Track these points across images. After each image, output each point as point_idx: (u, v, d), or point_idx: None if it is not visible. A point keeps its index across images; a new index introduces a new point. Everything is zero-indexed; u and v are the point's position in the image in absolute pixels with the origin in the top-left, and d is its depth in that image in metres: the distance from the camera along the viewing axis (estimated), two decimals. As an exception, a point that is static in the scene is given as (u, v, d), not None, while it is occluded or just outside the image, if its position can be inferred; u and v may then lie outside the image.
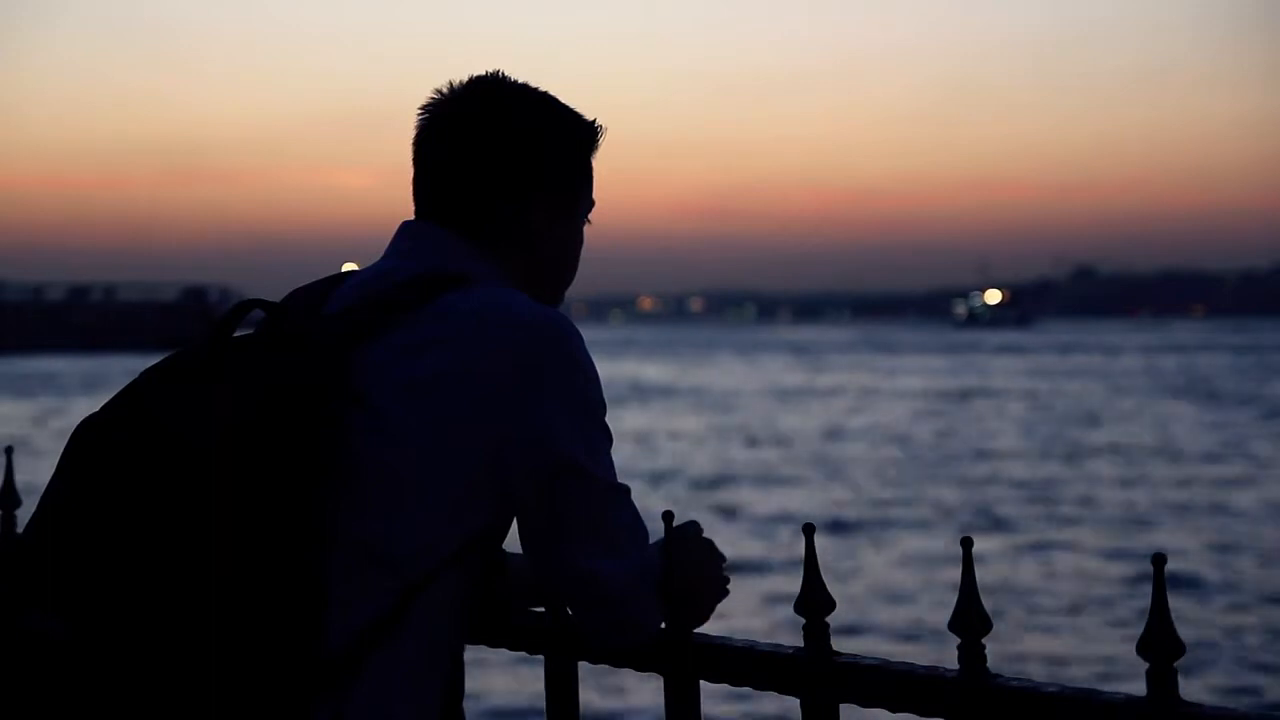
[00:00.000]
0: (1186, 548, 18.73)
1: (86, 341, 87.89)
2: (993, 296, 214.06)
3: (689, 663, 1.99)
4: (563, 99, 2.15)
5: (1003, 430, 36.74)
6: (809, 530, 1.92)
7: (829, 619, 1.92)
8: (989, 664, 1.77)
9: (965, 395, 50.22)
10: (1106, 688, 1.74)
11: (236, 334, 2.02)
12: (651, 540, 2.00)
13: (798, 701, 1.92)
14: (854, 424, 37.27)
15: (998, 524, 20.75)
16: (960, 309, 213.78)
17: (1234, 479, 26.19)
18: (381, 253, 2.12)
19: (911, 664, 1.83)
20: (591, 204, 2.18)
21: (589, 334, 2.00)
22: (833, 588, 1.91)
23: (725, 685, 2.00)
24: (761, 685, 1.94)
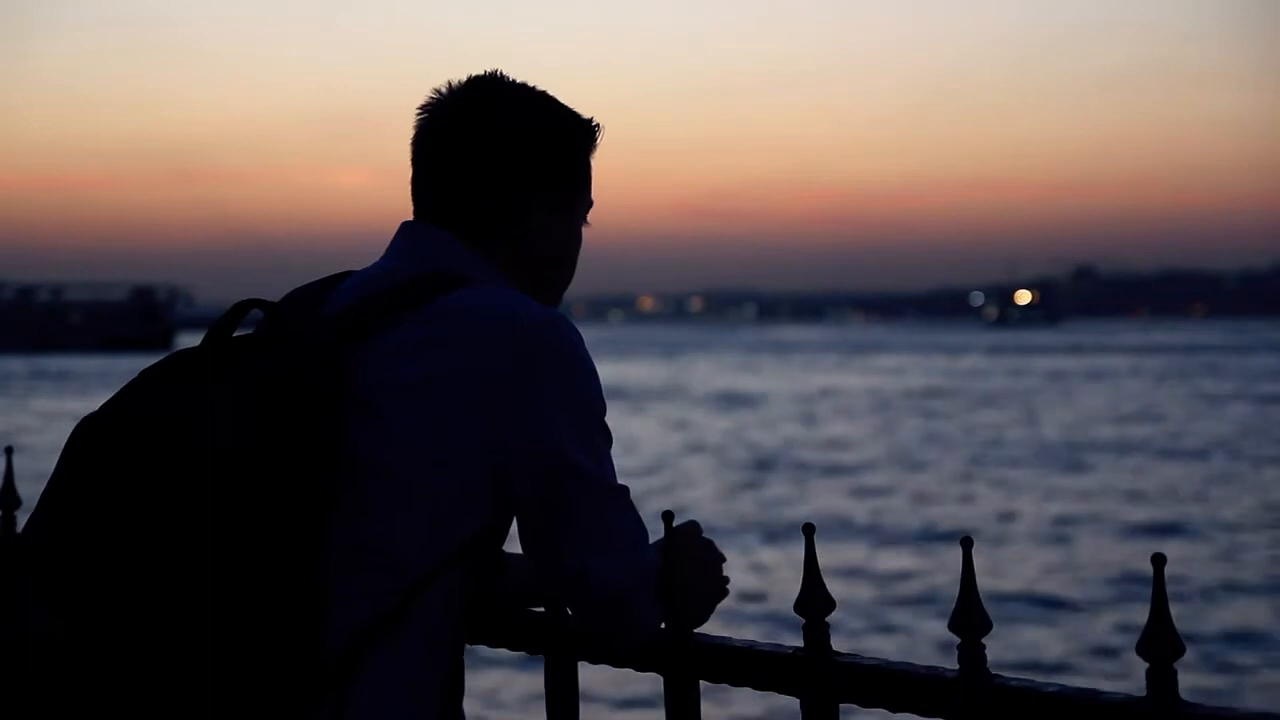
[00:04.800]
0: None
1: (34, 342, 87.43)
2: (1022, 297, 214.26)
3: (689, 663, 1.99)
4: (561, 98, 2.15)
5: None
6: (809, 530, 1.92)
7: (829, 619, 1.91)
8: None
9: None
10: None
11: (236, 334, 2.02)
12: (651, 540, 2.00)
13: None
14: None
15: None
16: (990, 310, 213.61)
17: None
18: (380, 253, 2.12)
19: (911, 664, 1.86)
20: (590, 204, 2.19)
21: (589, 334, 2.00)
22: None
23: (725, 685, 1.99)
24: (761, 685, 1.95)
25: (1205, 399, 47.90)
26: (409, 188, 2.20)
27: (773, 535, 19.30)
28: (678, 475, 27.03)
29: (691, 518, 2.14)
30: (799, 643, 1.96)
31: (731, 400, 48.93)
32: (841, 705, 1.93)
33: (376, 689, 1.97)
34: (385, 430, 1.98)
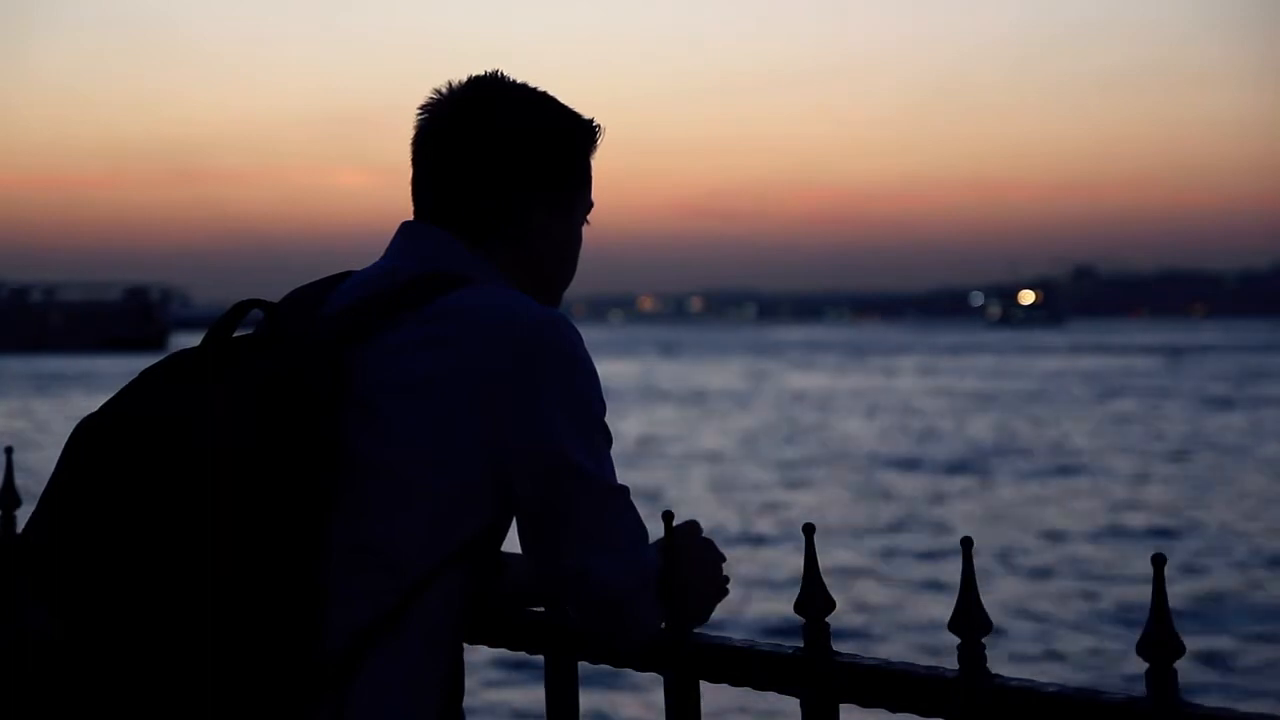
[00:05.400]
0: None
1: (28, 342, 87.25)
2: (1026, 297, 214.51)
3: (689, 663, 1.99)
4: (562, 99, 2.15)
5: None
6: (809, 530, 1.93)
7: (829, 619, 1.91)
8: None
9: None
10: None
11: (236, 334, 2.03)
12: (651, 540, 2.00)
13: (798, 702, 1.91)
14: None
15: None
16: (994, 310, 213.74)
17: None
18: (380, 253, 2.13)
19: (911, 664, 1.86)
20: (590, 204, 2.19)
21: (589, 334, 2.00)
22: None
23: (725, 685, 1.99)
24: (761, 685, 1.96)
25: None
26: (409, 188, 2.20)
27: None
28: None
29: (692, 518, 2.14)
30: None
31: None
32: (841, 705, 1.93)
33: (376, 689, 1.97)
34: (385, 430, 1.99)
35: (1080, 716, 1.71)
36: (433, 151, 2.17)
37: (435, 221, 2.16)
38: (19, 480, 2.91)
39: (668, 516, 2.07)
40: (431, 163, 2.18)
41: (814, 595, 1.95)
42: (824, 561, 2.06)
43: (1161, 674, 1.66)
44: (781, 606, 14.08)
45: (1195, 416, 39.72)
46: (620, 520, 2.02)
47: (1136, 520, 20.51)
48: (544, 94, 2.20)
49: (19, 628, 1.90)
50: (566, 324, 2.05)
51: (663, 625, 2.06)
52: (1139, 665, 1.66)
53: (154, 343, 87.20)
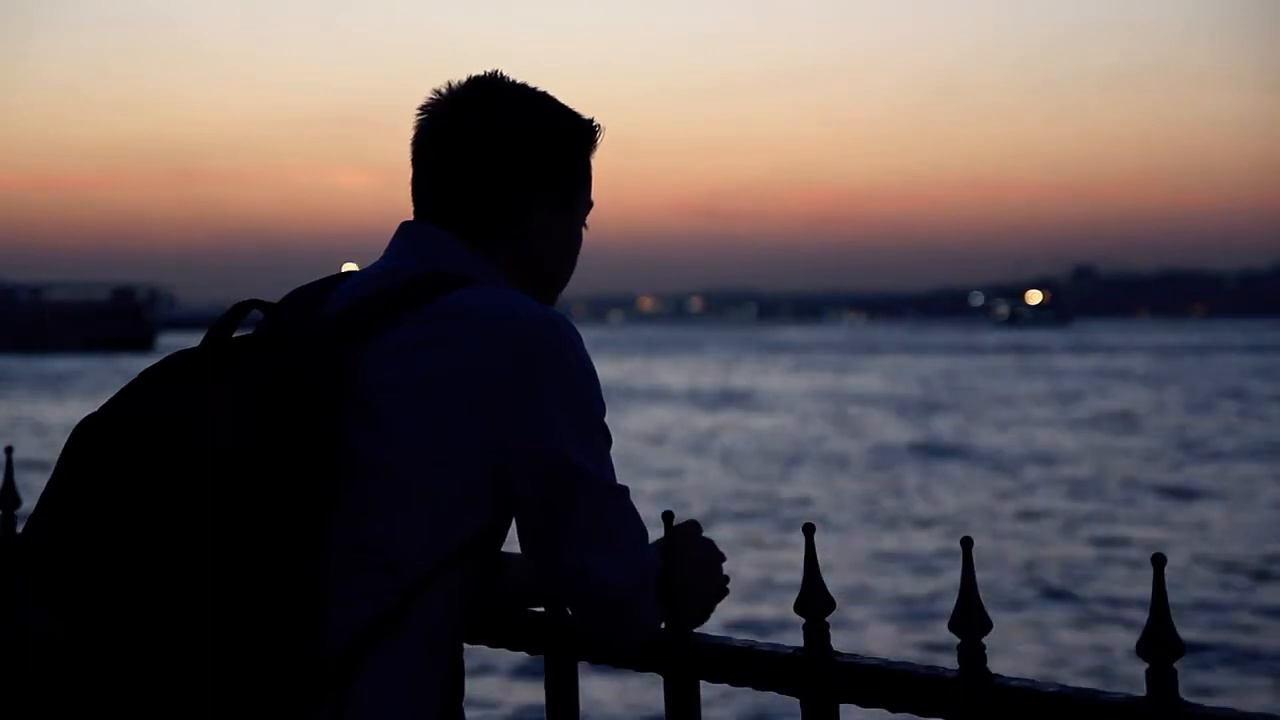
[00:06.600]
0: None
1: (17, 343, 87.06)
2: (1033, 297, 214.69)
3: (689, 663, 1.99)
4: (561, 98, 2.16)
5: None
6: (809, 530, 1.93)
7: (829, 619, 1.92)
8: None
9: None
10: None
11: (236, 334, 2.03)
12: (651, 540, 2.00)
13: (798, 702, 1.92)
14: None
15: None
16: (1001, 310, 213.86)
17: None
18: (380, 253, 2.13)
19: (911, 664, 1.87)
20: (590, 204, 2.19)
21: (589, 334, 2.00)
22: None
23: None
24: (761, 685, 1.96)
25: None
26: (409, 188, 2.21)
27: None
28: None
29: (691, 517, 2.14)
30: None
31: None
32: (841, 705, 1.94)
33: (376, 689, 1.98)
34: (385, 430, 1.99)
35: (1080, 716, 1.72)
36: (433, 152, 2.18)
37: (435, 221, 2.17)
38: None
39: (668, 517, 2.08)
40: (431, 163, 2.18)
41: (814, 595, 1.96)
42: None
43: (1161, 674, 1.66)
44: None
45: None
46: (620, 520, 2.03)
47: None
48: (543, 94, 2.20)
49: (19, 628, 1.90)
50: (566, 324, 2.06)
51: (663, 625, 2.06)
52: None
53: (142, 343, 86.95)
